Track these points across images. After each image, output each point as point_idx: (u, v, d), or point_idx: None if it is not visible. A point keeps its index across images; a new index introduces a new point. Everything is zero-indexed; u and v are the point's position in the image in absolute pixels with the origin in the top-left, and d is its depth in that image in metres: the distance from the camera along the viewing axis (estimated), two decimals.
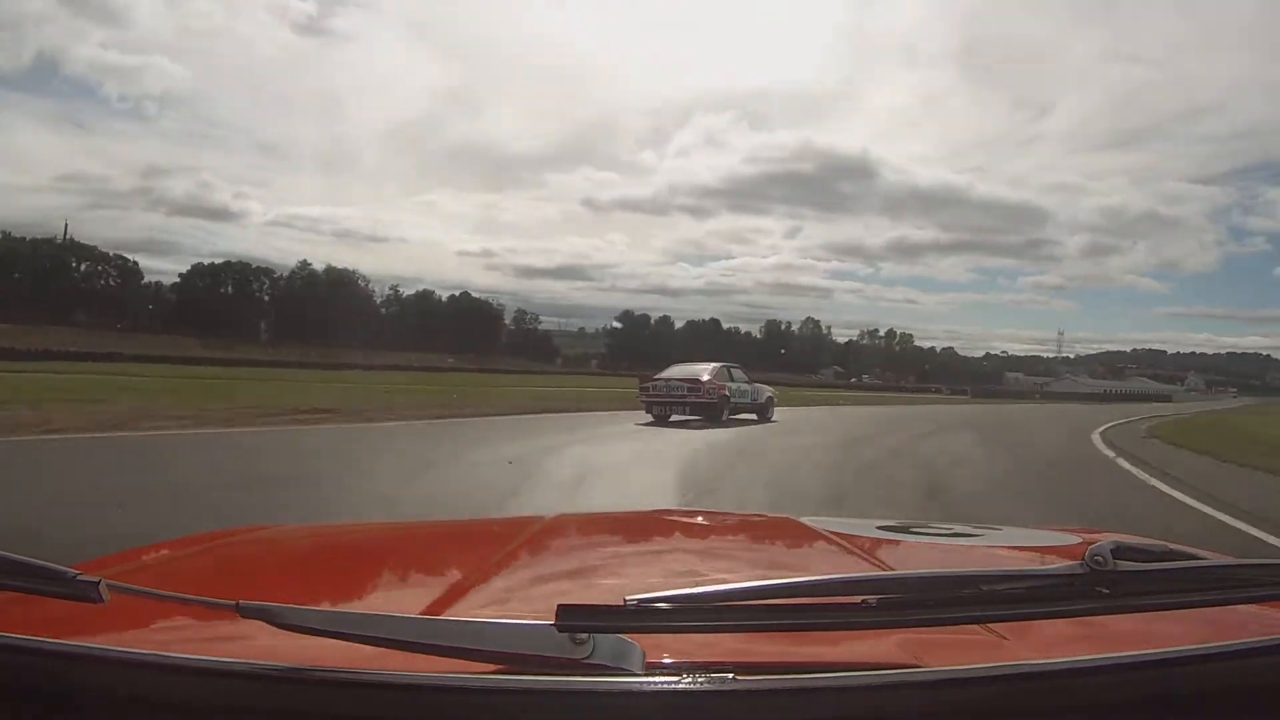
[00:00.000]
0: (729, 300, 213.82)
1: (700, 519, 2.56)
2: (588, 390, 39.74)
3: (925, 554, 1.87)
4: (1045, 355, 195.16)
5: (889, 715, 0.83)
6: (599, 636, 0.81)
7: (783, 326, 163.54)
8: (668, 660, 0.86)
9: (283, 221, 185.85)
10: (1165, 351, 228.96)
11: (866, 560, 1.58)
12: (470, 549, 1.82)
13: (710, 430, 18.33)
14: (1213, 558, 1.05)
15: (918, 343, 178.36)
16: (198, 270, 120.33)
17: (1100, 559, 0.85)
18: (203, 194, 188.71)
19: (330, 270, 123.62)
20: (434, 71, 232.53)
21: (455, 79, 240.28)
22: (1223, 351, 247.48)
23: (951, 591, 0.88)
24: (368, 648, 0.82)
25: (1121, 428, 26.55)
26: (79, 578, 0.85)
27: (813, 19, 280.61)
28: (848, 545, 1.70)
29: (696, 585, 0.87)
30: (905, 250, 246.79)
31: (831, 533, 1.82)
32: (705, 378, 21.86)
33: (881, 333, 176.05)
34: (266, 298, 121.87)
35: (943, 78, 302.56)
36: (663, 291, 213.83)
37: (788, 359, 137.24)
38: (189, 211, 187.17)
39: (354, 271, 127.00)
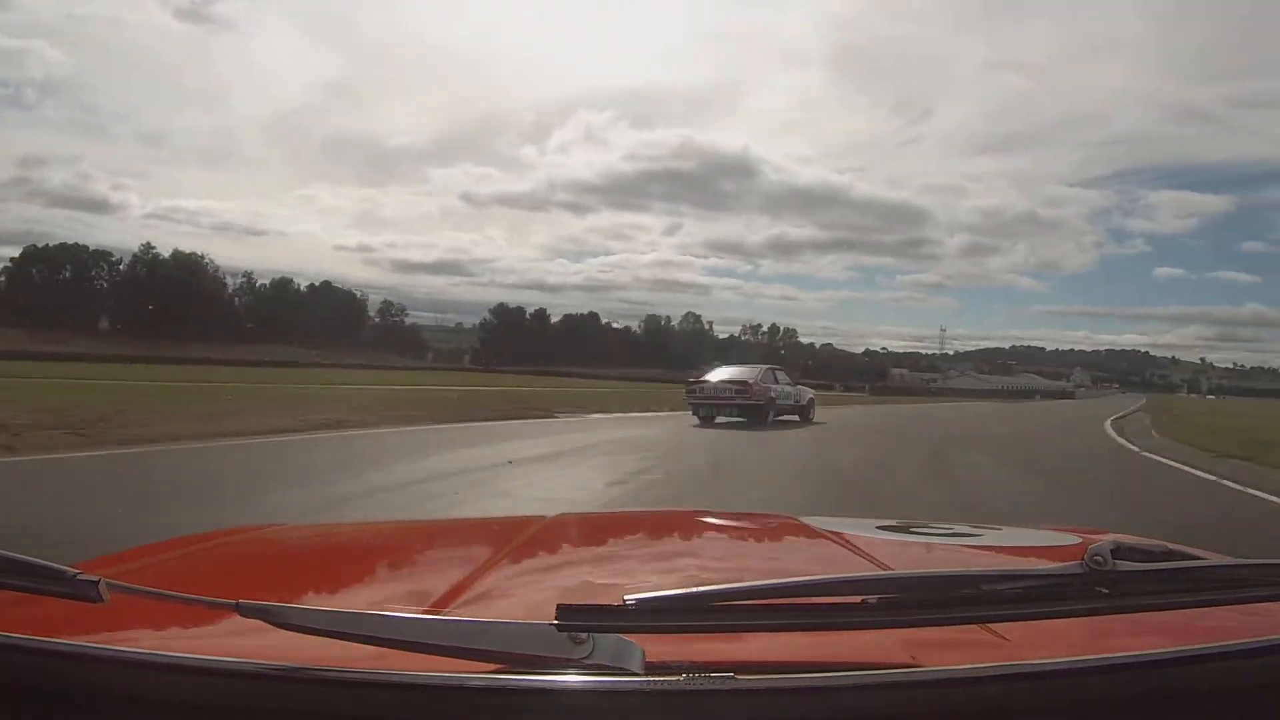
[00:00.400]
0: (607, 297, 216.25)
1: (700, 519, 2.52)
2: (433, 390, 33.16)
3: (925, 554, 1.86)
4: (924, 352, 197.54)
5: (889, 715, 0.83)
6: (599, 636, 0.81)
7: (663, 322, 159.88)
8: (668, 660, 0.85)
9: (161, 214, 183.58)
10: (1044, 348, 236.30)
11: (866, 560, 1.56)
12: (470, 549, 1.81)
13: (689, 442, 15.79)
14: (1212, 558, 1.09)
15: (798, 340, 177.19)
16: (31, 254, 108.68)
17: (1100, 559, 0.86)
18: (82, 185, 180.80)
19: (177, 255, 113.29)
20: (317, 63, 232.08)
21: (338, 71, 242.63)
22: (1101, 349, 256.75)
23: (951, 591, 0.89)
24: (368, 648, 0.83)
25: (1138, 435, 22.79)
26: (79, 577, 0.86)
27: (697, 19, 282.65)
28: (848, 545, 1.70)
29: (696, 585, 0.87)
30: (784, 248, 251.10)
31: (831, 532, 1.82)
32: (752, 380, 22.41)
33: (765, 328, 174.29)
34: (105, 284, 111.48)
35: (825, 79, 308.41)
36: (541, 287, 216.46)
37: (668, 356, 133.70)
38: (67, 203, 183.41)
39: (203, 257, 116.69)
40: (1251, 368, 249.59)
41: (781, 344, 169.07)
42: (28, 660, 0.85)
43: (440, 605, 1.16)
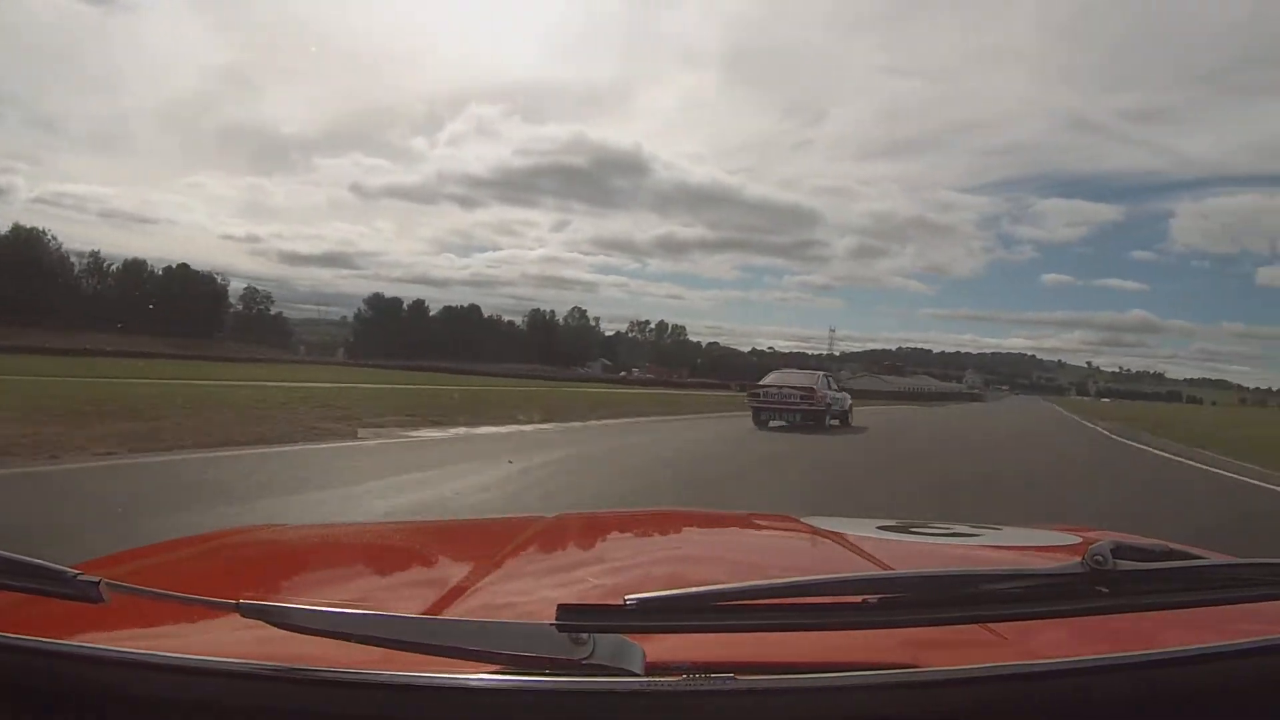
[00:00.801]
0: (494, 292, 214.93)
1: (700, 519, 2.50)
2: (247, 391, 23.85)
3: (925, 554, 1.85)
4: (811, 352, 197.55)
5: (889, 715, 0.83)
6: (599, 636, 0.82)
7: (547, 316, 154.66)
8: (668, 660, 0.85)
9: (49, 199, 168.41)
10: (931, 350, 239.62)
11: (866, 560, 1.56)
12: (470, 549, 1.81)
13: None
14: (1213, 557, 1.07)
15: (687, 338, 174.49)
16: None
17: (1100, 558, 0.86)
18: None
19: (17, 230, 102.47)
20: (210, 48, 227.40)
21: (231, 57, 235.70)
22: (987, 351, 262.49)
23: (951, 591, 0.89)
24: (368, 648, 0.83)
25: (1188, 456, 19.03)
26: (79, 578, 0.87)
27: (593, 14, 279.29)
28: (848, 545, 1.70)
29: (696, 585, 0.87)
30: (673, 247, 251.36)
31: (831, 532, 1.83)
32: (816, 386, 22.65)
33: (652, 325, 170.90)
34: None
35: (720, 79, 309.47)
36: (428, 281, 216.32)
37: (553, 351, 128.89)
38: None
39: (44, 232, 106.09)
40: (1137, 371, 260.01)
41: (669, 341, 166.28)
42: (28, 660, 0.85)
43: (440, 605, 1.16)
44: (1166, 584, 0.90)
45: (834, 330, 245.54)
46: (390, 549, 1.84)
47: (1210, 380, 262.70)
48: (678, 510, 3.27)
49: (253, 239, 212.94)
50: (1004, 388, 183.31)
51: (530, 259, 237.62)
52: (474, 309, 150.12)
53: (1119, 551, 0.87)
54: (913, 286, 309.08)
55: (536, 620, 0.82)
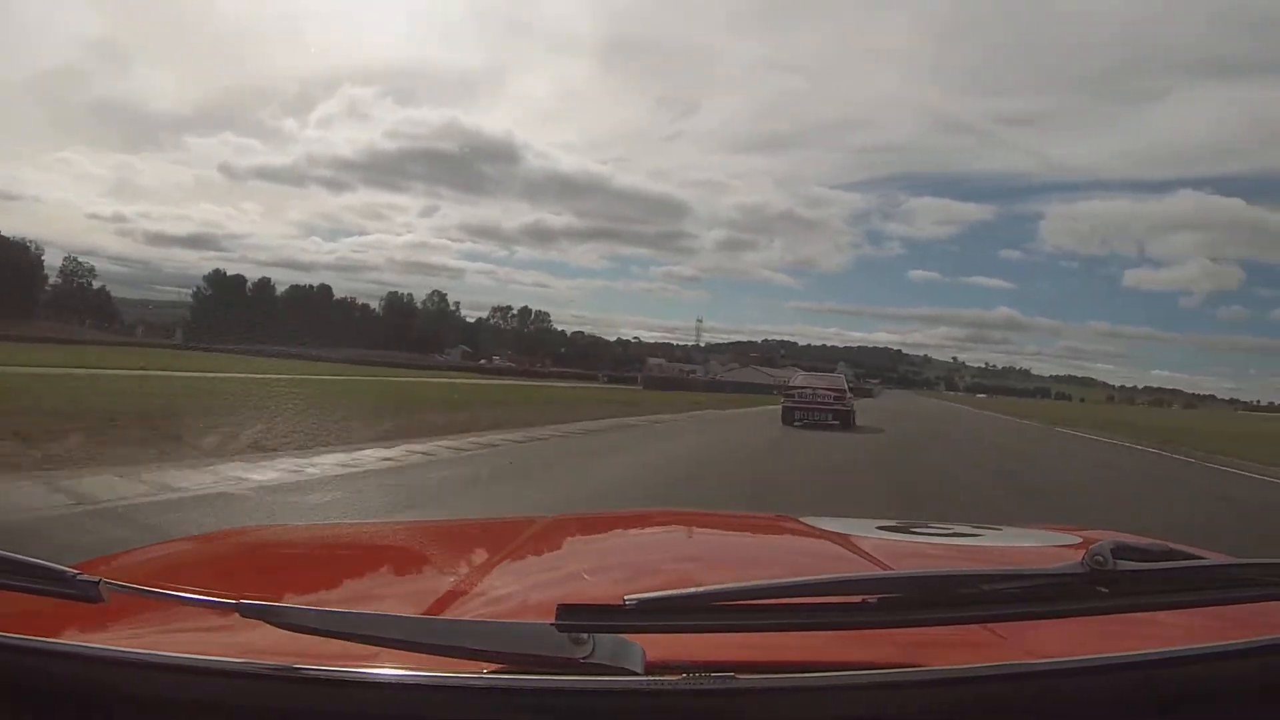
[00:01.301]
0: (359, 277, 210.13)
1: (700, 519, 2.50)
2: None
3: (925, 554, 1.85)
4: (676, 343, 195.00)
5: (889, 715, 0.84)
6: (599, 636, 0.82)
7: (405, 300, 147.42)
8: (668, 660, 0.86)
9: None
10: (797, 343, 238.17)
11: (866, 560, 1.56)
12: (470, 549, 1.80)
13: None
14: (1213, 557, 1.09)
15: (551, 325, 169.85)
16: None
17: (1100, 559, 0.87)
18: None
19: None
20: (81, 19, 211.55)
21: (99, 28, 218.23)
22: (853, 345, 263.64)
23: (951, 591, 0.90)
24: (368, 648, 0.84)
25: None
26: (79, 577, 0.88)
27: None
28: (848, 545, 1.70)
29: (696, 585, 0.87)
30: (541, 235, 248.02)
31: (831, 532, 1.84)
32: (845, 389, 23.89)
33: (515, 312, 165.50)
34: None
35: (593, 68, 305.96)
36: (293, 265, 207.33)
37: (411, 336, 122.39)
38: None
39: None
40: (1003, 368, 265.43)
41: (532, 329, 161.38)
42: (28, 660, 0.85)
43: (440, 605, 1.16)
44: (1167, 584, 0.90)
45: (701, 321, 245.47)
46: (390, 549, 1.83)
47: (1076, 378, 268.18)
48: (677, 510, 3.18)
49: (119, 218, 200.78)
50: (874, 381, 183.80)
51: (397, 244, 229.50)
52: (325, 289, 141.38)
53: (1119, 551, 0.87)
54: (780, 279, 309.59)
55: (536, 620, 0.82)
